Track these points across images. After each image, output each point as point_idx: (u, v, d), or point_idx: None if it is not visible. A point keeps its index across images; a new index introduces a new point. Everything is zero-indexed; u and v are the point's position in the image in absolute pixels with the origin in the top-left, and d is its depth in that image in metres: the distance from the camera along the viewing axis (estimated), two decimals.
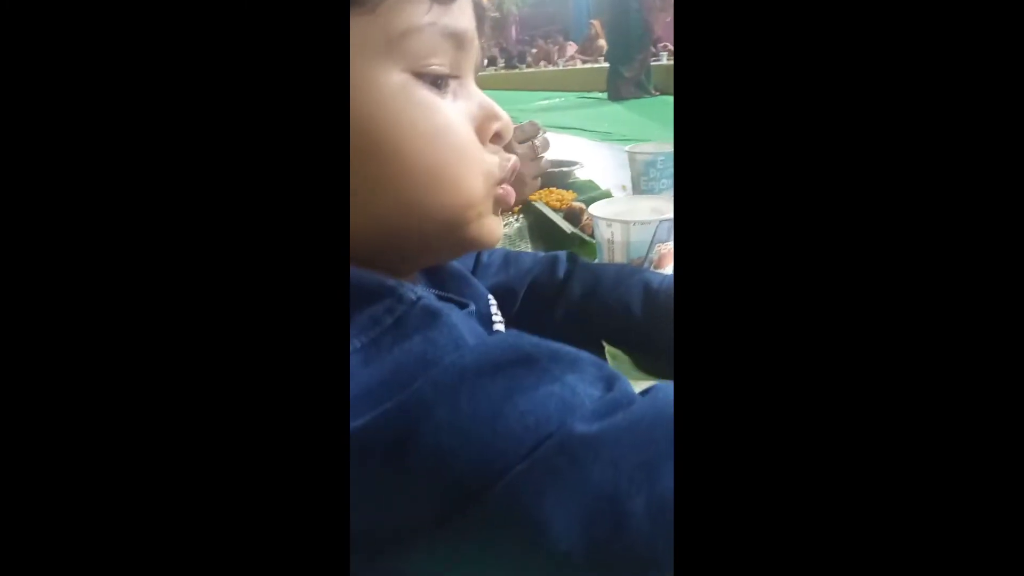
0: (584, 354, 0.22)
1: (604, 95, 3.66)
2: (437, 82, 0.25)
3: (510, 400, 0.19)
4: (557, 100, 3.93)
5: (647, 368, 0.39)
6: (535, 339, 0.22)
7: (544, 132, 0.79)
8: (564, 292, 0.44)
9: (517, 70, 6.17)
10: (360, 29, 0.23)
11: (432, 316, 0.22)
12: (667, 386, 0.21)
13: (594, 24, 5.88)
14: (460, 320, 0.22)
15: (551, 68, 5.84)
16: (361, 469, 0.18)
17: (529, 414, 0.19)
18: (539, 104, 3.65)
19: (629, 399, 0.21)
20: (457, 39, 0.25)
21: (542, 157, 0.77)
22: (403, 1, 0.23)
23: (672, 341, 0.35)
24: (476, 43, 0.27)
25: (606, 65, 3.81)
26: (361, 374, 0.20)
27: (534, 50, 6.45)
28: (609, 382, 0.21)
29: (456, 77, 0.26)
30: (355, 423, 0.18)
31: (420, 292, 0.23)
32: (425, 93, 0.25)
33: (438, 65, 0.25)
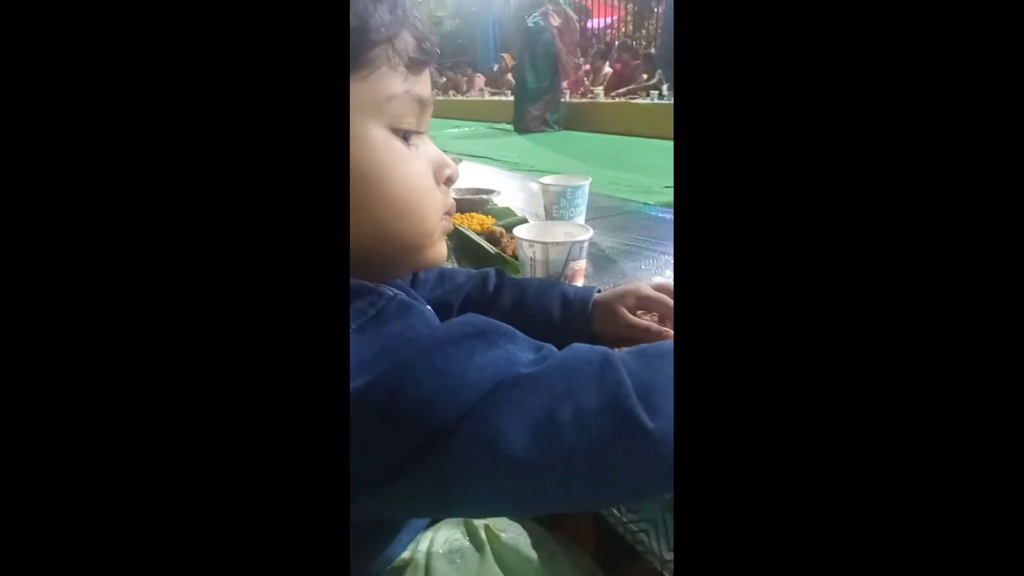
0: (519, 332, 0.30)
1: (511, 126, 3.85)
2: (406, 136, 0.32)
3: (471, 359, 0.26)
4: (467, 129, 4.06)
5: None
6: (486, 319, 0.29)
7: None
8: (495, 304, 0.51)
9: None
10: (354, 93, 0.29)
11: (407, 307, 0.28)
12: (578, 344, 0.29)
13: (505, 57, 6.14)
14: (427, 311, 0.29)
15: (460, 98, 6.00)
16: (362, 419, 0.24)
17: (487, 368, 0.26)
18: (449, 132, 3.75)
19: (552, 352, 0.29)
20: (422, 103, 0.32)
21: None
22: (388, 73, 0.30)
23: (584, 342, 0.42)
24: (432, 105, 0.34)
25: (512, 98, 4.01)
26: (354, 351, 0.26)
27: (443, 79, 6.59)
28: (538, 348, 0.29)
29: (419, 133, 0.33)
30: (355, 384, 0.24)
31: (395, 291, 0.29)
32: (399, 145, 0.31)
33: (408, 123, 0.32)
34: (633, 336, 0.47)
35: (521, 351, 0.28)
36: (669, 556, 0.37)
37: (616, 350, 0.29)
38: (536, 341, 0.30)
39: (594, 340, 0.48)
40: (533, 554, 0.39)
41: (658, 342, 0.32)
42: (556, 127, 3.80)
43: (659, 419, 0.25)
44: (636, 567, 0.41)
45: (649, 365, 0.28)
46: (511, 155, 2.67)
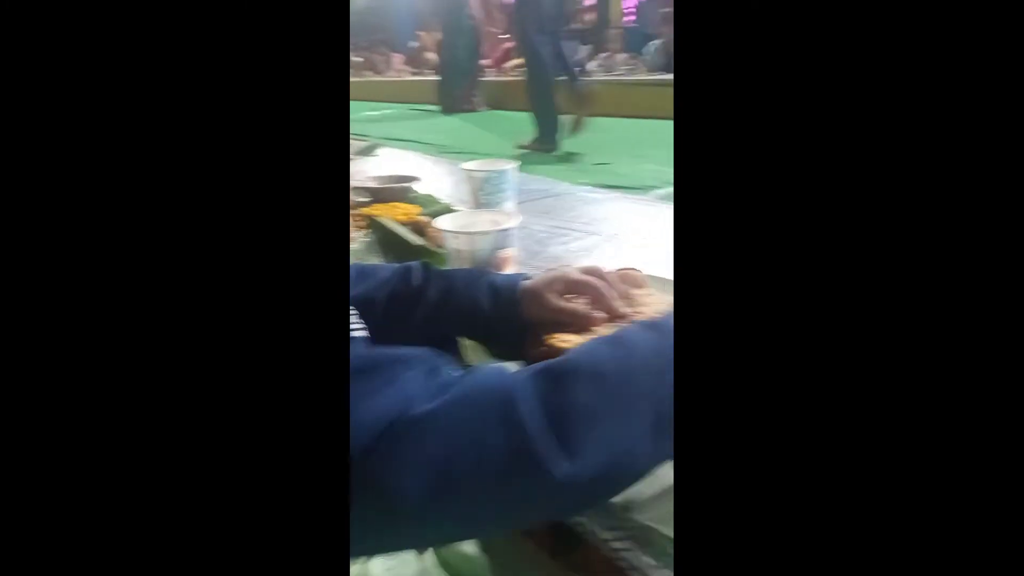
0: (413, 352, 0.28)
1: (436, 108, 3.76)
2: None
3: (361, 403, 0.24)
4: (388, 111, 3.92)
5: (497, 353, 0.47)
6: (379, 348, 0.27)
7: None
8: (422, 297, 0.49)
9: None
10: None
11: None
12: (485, 366, 0.28)
13: (421, 36, 5.96)
14: None
15: (378, 79, 5.79)
16: None
17: (377, 408, 0.24)
18: (368, 115, 3.61)
19: (454, 380, 0.27)
20: None
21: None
22: None
23: (515, 330, 0.42)
24: None
25: (436, 78, 3.92)
26: None
27: (359, 59, 6.32)
28: (435, 371, 0.27)
29: None
30: None
31: None
32: None
33: None
34: (564, 321, 0.47)
35: (418, 378, 0.26)
36: (608, 535, 0.38)
37: (527, 369, 0.28)
38: (436, 359, 0.28)
39: (524, 328, 0.48)
40: (474, 548, 0.39)
41: (567, 355, 0.29)
42: (484, 107, 3.76)
43: (572, 454, 0.24)
44: (581, 549, 0.42)
45: (559, 387, 0.26)
46: (437, 138, 2.61)
